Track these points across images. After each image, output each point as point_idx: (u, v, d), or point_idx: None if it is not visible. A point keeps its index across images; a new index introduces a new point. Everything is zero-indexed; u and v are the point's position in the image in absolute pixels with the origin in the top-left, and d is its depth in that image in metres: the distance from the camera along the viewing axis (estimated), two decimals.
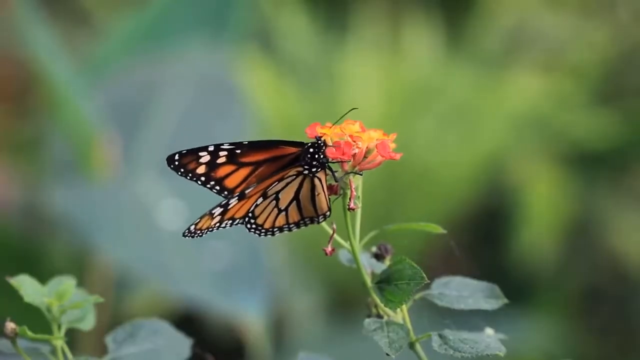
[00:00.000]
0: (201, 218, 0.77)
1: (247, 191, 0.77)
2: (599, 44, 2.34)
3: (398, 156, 0.75)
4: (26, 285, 0.78)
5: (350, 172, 0.75)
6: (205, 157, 0.78)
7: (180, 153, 0.79)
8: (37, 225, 1.96)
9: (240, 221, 0.77)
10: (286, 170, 0.77)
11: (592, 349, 2.12)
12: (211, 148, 0.78)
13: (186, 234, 0.77)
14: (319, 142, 0.76)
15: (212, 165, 0.78)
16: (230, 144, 0.78)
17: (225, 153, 0.78)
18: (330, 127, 0.77)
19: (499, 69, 2.28)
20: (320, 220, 0.77)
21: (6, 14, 2.15)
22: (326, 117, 0.77)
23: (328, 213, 0.76)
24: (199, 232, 0.77)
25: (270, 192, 0.77)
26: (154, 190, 1.69)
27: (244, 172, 0.78)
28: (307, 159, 0.76)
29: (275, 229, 0.77)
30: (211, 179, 0.79)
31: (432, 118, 2.15)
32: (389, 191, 2.08)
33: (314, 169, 0.76)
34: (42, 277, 0.80)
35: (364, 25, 2.30)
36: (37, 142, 2.01)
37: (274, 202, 0.77)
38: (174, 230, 1.63)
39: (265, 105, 2.05)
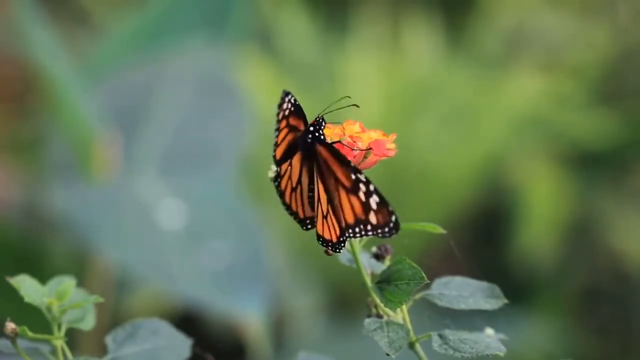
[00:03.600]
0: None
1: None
2: (599, 44, 2.34)
3: (392, 153, 0.75)
4: (26, 285, 0.78)
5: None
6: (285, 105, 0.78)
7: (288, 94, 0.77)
8: (37, 225, 1.96)
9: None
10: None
11: (592, 349, 2.12)
12: (292, 98, 0.77)
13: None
14: (318, 119, 0.76)
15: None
16: (295, 101, 0.77)
17: (289, 106, 0.78)
18: (331, 127, 0.77)
19: (499, 69, 2.28)
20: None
21: (6, 14, 2.15)
22: (326, 117, 0.76)
23: None
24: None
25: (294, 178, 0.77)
26: (154, 190, 1.69)
27: (284, 132, 0.77)
28: (308, 139, 0.76)
29: (307, 220, 0.77)
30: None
31: (432, 118, 2.15)
32: (389, 191, 2.07)
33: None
34: (42, 277, 0.80)
35: (364, 25, 2.30)
36: (37, 142, 2.01)
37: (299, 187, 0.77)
38: (174, 230, 1.63)
39: (265, 105, 2.05)
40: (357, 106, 0.81)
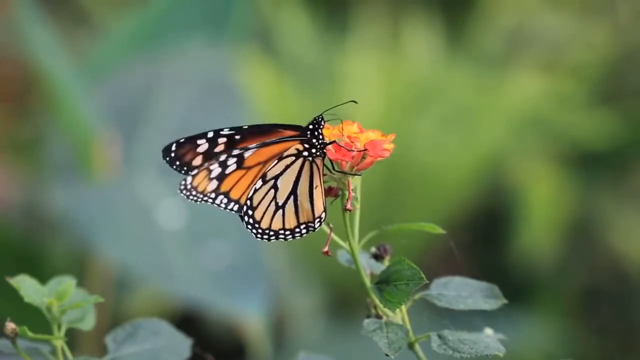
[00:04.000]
0: (199, 171, 0.75)
1: (246, 154, 0.75)
2: (599, 44, 2.34)
3: (387, 154, 0.75)
4: (26, 285, 0.78)
5: (349, 174, 0.75)
6: (203, 146, 0.76)
7: (177, 143, 0.76)
8: (37, 225, 1.96)
9: (237, 208, 0.75)
10: (286, 144, 0.75)
11: (592, 349, 2.12)
12: (210, 134, 0.76)
13: (182, 188, 0.75)
14: (317, 118, 0.76)
15: (209, 155, 0.76)
16: (230, 128, 0.76)
17: (225, 140, 0.76)
18: (330, 128, 0.76)
19: (499, 69, 2.28)
20: (317, 226, 0.75)
21: (6, 14, 2.15)
22: (326, 117, 0.76)
23: (324, 215, 0.75)
24: (194, 192, 0.75)
25: (269, 175, 0.75)
26: (153, 190, 1.69)
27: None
28: (307, 135, 0.75)
29: (271, 232, 0.75)
30: None
31: (432, 118, 2.15)
32: (389, 191, 2.08)
33: (313, 150, 0.75)
34: (42, 277, 0.80)
35: (364, 25, 2.30)
36: (37, 142, 2.01)
37: (273, 191, 0.75)
38: (174, 230, 1.63)
39: (266, 105, 2.05)
40: (356, 102, 0.80)
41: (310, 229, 0.75)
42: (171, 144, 0.76)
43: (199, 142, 0.76)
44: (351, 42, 2.25)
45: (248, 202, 0.75)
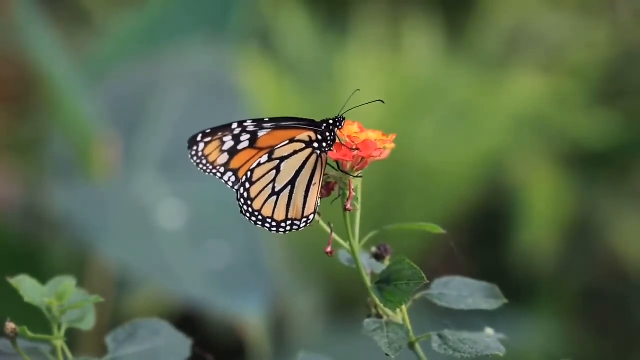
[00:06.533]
0: (212, 140, 0.74)
1: (259, 133, 0.74)
2: (599, 44, 2.34)
3: (378, 153, 0.74)
4: (26, 285, 0.78)
5: (350, 174, 0.75)
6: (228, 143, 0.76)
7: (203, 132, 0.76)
8: (37, 225, 1.96)
9: (235, 183, 0.75)
10: (301, 130, 0.75)
11: (592, 348, 2.12)
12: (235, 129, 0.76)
13: (192, 154, 0.74)
14: (339, 117, 0.76)
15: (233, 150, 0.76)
16: (253, 120, 0.76)
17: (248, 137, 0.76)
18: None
19: (499, 69, 2.28)
20: (302, 226, 0.75)
21: (6, 14, 2.15)
22: (326, 117, 0.77)
23: (312, 216, 0.75)
24: (204, 160, 0.74)
25: (276, 154, 0.74)
26: (153, 190, 1.69)
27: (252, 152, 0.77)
28: (322, 128, 0.75)
29: (259, 216, 0.75)
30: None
31: (432, 118, 2.15)
32: (389, 191, 2.08)
33: (324, 144, 0.75)
34: (42, 277, 0.80)
35: (364, 25, 2.30)
36: (37, 142, 2.01)
37: (274, 173, 0.74)
38: (174, 230, 1.63)
39: (265, 105, 2.05)
40: (383, 102, 0.81)
41: (295, 227, 0.75)
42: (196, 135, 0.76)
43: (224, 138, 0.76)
44: (351, 42, 2.25)
45: (248, 174, 0.74)
